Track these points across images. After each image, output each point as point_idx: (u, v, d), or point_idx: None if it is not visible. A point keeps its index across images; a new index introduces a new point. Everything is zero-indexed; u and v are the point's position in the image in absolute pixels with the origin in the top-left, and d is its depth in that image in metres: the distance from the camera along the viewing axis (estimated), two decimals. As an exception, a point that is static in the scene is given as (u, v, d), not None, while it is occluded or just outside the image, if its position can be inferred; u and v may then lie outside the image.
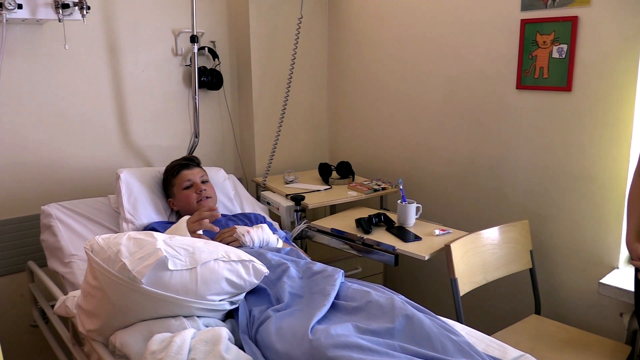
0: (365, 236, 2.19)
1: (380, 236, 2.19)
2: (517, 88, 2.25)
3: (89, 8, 2.16)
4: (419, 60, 2.62)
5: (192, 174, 2.24)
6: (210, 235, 2.01)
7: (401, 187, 2.33)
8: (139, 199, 2.23)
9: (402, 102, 2.74)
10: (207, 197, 2.21)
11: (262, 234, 1.98)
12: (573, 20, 2.03)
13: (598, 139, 2.05)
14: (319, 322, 1.45)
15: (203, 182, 2.25)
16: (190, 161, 2.30)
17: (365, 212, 2.41)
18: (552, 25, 2.10)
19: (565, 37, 2.06)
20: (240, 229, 1.97)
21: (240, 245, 1.91)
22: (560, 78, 2.10)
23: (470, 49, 2.40)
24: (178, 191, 2.23)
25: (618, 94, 1.97)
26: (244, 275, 1.55)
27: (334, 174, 2.78)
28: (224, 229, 2.02)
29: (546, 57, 2.14)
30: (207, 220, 1.97)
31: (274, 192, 2.64)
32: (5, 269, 2.40)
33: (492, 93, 2.35)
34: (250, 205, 2.55)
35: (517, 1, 2.19)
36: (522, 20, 2.18)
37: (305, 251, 2.37)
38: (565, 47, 2.08)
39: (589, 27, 2.01)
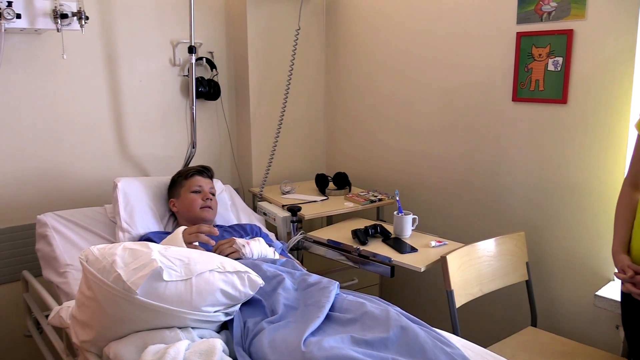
0: (361, 247, 2.19)
1: (376, 247, 2.19)
2: (513, 100, 2.26)
3: (87, 18, 2.18)
4: (416, 73, 2.63)
5: (204, 182, 2.27)
6: (206, 249, 2.01)
7: (397, 199, 2.33)
8: (135, 208, 2.23)
9: (399, 113, 2.75)
10: (210, 207, 2.22)
11: (260, 247, 1.99)
12: (568, 34, 2.05)
13: (593, 151, 2.06)
14: (313, 334, 1.44)
15: (211, 193, 2.27)
16: (206, 170, 2.34)
17: (361, 223, 2.41)
18: (548, 39, 2.11)
19: (561, 50, 2.08)
20: (240, 240, 1.97)
21: (239, 257, 1.91)
22: (556, 90, 2.12)
23: (466, 62, 2.41)
24: (185, 193, 2.24)
25: (613, 106, 1.98)
26: (239, 286, 1.55)
27: (331, 184, 2.77)
28: (222, 240, 2.02)
29: (542, 70, 2.15)
30: (203, 235, 1.97)
31: (271, 203, 2.64)
32: (0, 278, 2.38)
33: (489, 105, 2.36)
34: (247, 216, 2.55)
35: (513, 14, 2.21)
36: (517, 33, 2.20)
37: (302, 262, 2.37)
38: (560, 60, 2.09)
39: (584, 40, 2.03)
